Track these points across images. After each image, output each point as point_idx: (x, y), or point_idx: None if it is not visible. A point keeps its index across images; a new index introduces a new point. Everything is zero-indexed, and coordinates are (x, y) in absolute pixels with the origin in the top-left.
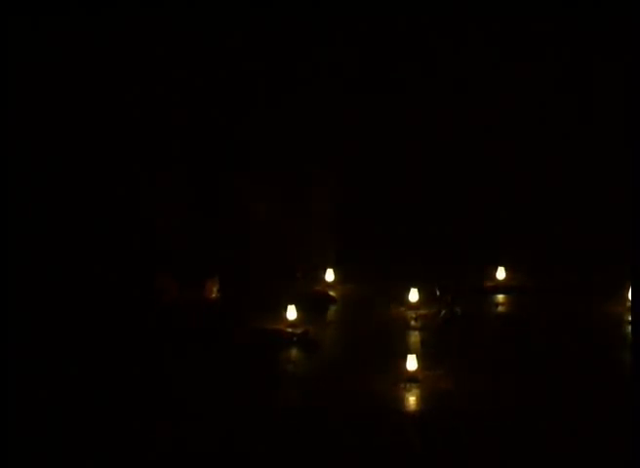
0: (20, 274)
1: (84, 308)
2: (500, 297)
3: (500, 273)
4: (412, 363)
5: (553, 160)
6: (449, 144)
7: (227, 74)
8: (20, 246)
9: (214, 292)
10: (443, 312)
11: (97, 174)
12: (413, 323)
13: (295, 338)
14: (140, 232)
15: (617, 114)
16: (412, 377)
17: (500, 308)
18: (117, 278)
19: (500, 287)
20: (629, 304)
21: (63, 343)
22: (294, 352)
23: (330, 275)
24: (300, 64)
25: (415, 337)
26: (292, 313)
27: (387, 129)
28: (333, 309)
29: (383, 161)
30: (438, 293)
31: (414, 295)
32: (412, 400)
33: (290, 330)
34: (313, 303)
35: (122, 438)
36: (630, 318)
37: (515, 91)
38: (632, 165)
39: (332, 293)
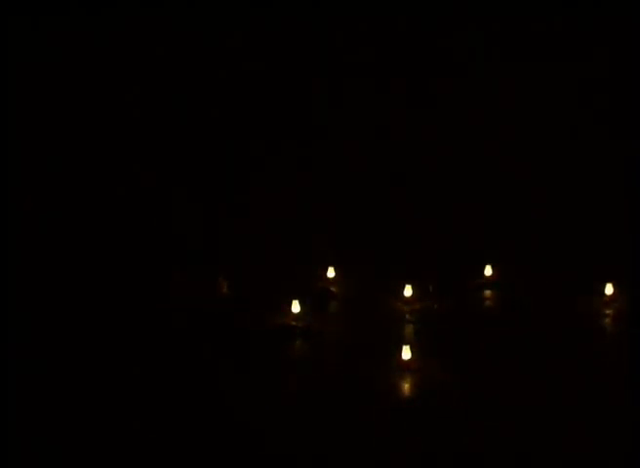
0: (27, 273)
1: (96, 306)
2: (490, 293)
3: (492, 270)
4: (406, 353)
5: (553, 160)
6: (447, 144)
7: (227, 74)
8: (26, 246)
9: (225, 289)
10: (436, 306)
11: (98, 173)
12: (407, 316)
13: (298, 331)
14: (150, 229)
15: (616, 113)
16: (406, 366)
17: (489, 303)
18: (129, 275)
19: (491, 283)
20: (607, 299)
21: (71, 341)
22: (297, 343)
23: (331, 272)
24: (299, 64)
25: (409, 330)
26: (296, 307)
27: (387, 129)
28: (334, 304)
29: (383, 161)
30: (431, 289)
31: (408, 291)
32: (406, 387)
33: (294, 323)
34: (315, 298)
35: (126, 436)
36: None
37: (515, 91)
38: (633, 165)
39: (333, 289)
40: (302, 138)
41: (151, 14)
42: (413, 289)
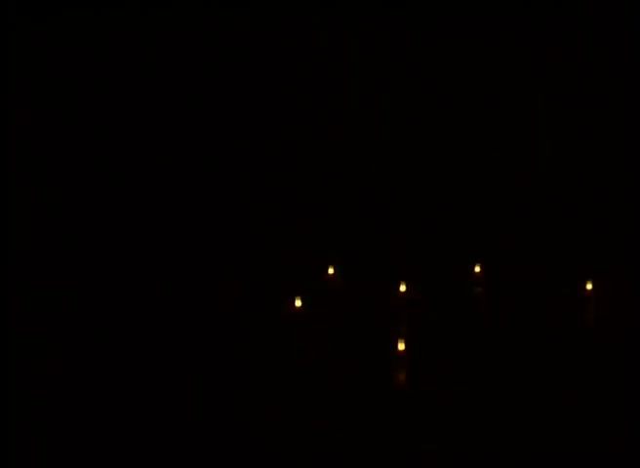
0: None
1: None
2: (481, 290)
3: (482, 268)
4: (402, 345)
5: (551, 160)
6: (446, 144)
7: (228, 73)
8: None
9: (230, 289)
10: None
11: (98, 173)
12: (403, 312)
13: (300, 325)
14: (150, 230)
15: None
16: (402, 358)
17: (480, 300)
18: (129, 275)
19: (483, 281)
20: (588, 294)
21: (71, 340)
22: (298, 338)
23: (330, 270)
24: (300, 63)
25: (405, 324)
26: (298, 304)
27: (386, 129)
28: (333, 300)
29: (383, 161)
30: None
31: (404, 288)
32: (401, 378)
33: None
34: (316, 295)
35: (125, 433)
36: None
37: (515, 91)
38: (631, 165)
39: (332, 286)
40: (303, 139)
41: (151, 14)
42: (407, 285)
